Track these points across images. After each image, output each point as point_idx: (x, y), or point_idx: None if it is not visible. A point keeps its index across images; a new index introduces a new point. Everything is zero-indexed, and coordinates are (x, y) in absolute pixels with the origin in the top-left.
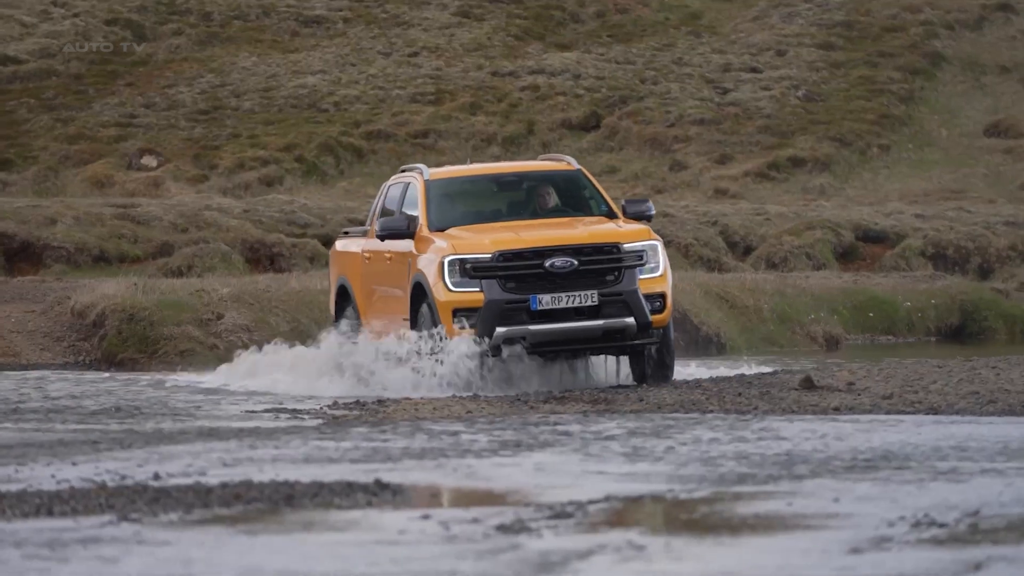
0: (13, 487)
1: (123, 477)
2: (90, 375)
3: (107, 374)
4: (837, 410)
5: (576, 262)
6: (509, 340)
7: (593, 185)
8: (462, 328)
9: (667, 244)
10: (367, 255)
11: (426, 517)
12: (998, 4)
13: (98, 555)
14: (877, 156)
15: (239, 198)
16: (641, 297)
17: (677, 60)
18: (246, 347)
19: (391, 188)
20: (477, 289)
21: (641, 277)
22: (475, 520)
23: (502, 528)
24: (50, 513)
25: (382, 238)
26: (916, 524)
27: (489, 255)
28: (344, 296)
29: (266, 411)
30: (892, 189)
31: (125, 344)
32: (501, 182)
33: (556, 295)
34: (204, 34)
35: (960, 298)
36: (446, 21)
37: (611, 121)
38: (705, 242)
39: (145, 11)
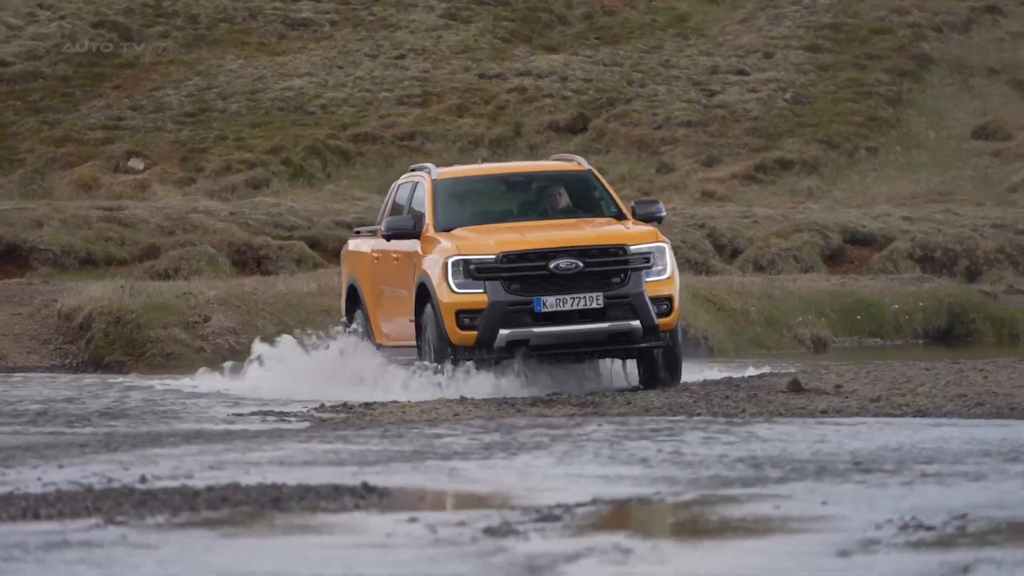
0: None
1: (110, 480)
2: (89, 378)
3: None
4: (825, 413)
5: (581, 264)
6: (513, 343)
7: (603, 186)
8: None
9: None
10: (376, 255)
11: (413, 520)
12: (986, 6)
13: (84, 558)
14: (865, 158)
15: (226, 201)
16: (647, 300)
17: (664, 62)
18: (233, 349)
19: (400, 187)
20: (481, 290)
21: (648, 279)
22: (462, 523)
23: (489, 531)
24: (36, 516)
25: (387, 238)
26: (903, 527)
27: (493, 256)
28: (354, 296)
29: (252, 414)
30: (880, 191)
31: (112, 347)
32: (510, 182)
33: (561, 297)
34: (191, 37)
35: (948, 301)
36: (433, 23)
37: (598, 123)
38: (692, 245)
39: (132, 13)
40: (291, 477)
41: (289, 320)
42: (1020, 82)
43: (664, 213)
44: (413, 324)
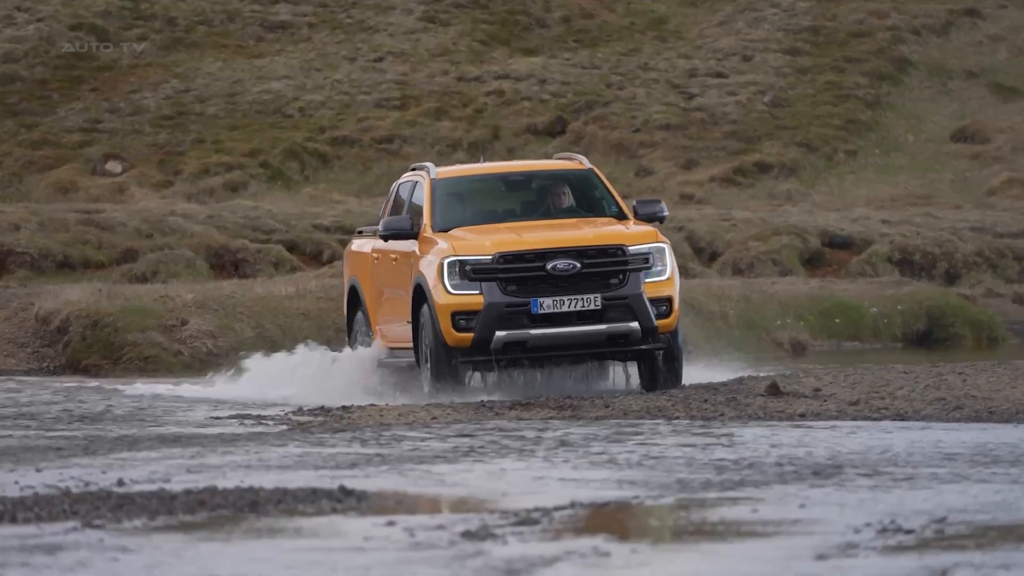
0: None
1: (87, 483)
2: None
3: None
4: (803, 416)
5: (579, 264)
6: (509, 345)
7: (604, 185)
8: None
9: None
10: (376, 255)
11: (391, 524)
12: (965, 9)
13: (61, 562)
14: (844, 162)
15: (204, 204)
16: (646, 301)
17: (643, 65)
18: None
19: (401, 186)
20: (477, 292)
21: (647, 280)
22: (440, 527)
23: (467, 535)
24: (14, 520)
25: (384, 238)
26: (882, 530)
27: (489, 257)
28: (355, 297)
29: (231, 417)
30: (859, 195)
31: (89, 350)
32: (509, 181)
33: (558, 298)
34: (169, 39)
35: (927, 304)
36: (411, 26)
37: (577, 126)
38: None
39: (110, 16)
40: (268, 480)
41: (267, 323)
42: (999, 85)
43: (667, 213)
44: (409, 326)
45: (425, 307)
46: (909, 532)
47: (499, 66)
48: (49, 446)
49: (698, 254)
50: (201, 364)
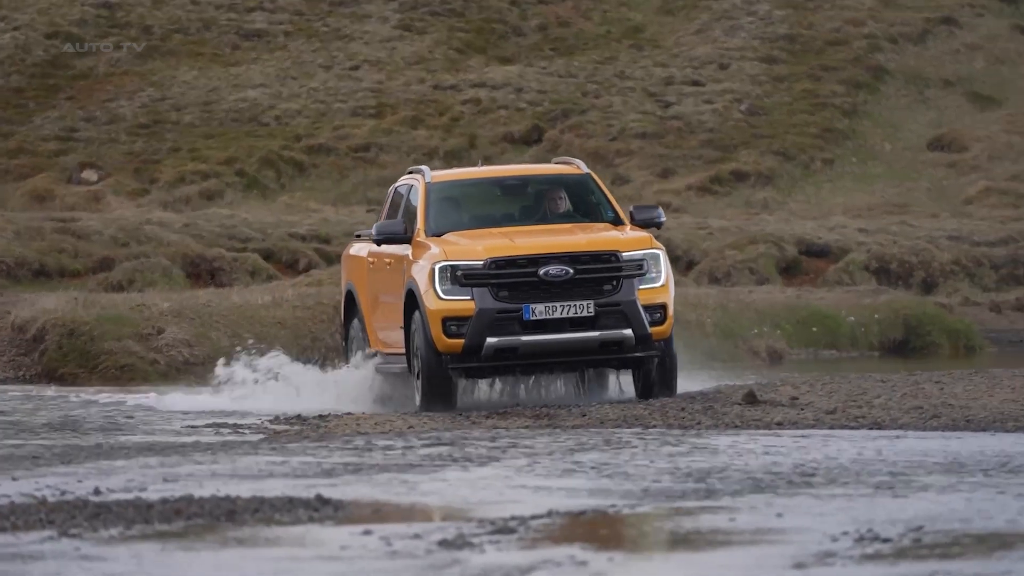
0: None
1: (63, 492)
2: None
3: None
4: (780, 425)
5: (572, 270)
6: (501, 351)
7: (601, 190)
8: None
9: None
10: (371, 260)
11: (368, 532)
12: (941, 18)
13: (37, 571)
14: (820, 170)
15: (180, 212)
16: (640, 308)
17: (619, 73)
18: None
19: (397, 190)
20: (468, 297)
21: (641, 287)
22: (417, 536)
23: (444, 543)
24: None
25: (378, 242)
26: (860, 539)
27: (481, 262)
28: (351, 302)
29: (207, 426)
30: (835, 203)
31: (66, 359)
32: (504, 186)
33: (550, 305)
34: (144, 48)
35: (904, 313)
36: (387, 34)
37: (553, 135)
38: None
39: (85, 24)
40: (245, 489)
41: (244, 332)
42: (975, 94)
43: (664, 219)
44: (402, 331)
45: (417, 313)
46: (886, 541)
47: (475, 74)
48: (25, 455)
49: (675, 263)
50: (177, 373)
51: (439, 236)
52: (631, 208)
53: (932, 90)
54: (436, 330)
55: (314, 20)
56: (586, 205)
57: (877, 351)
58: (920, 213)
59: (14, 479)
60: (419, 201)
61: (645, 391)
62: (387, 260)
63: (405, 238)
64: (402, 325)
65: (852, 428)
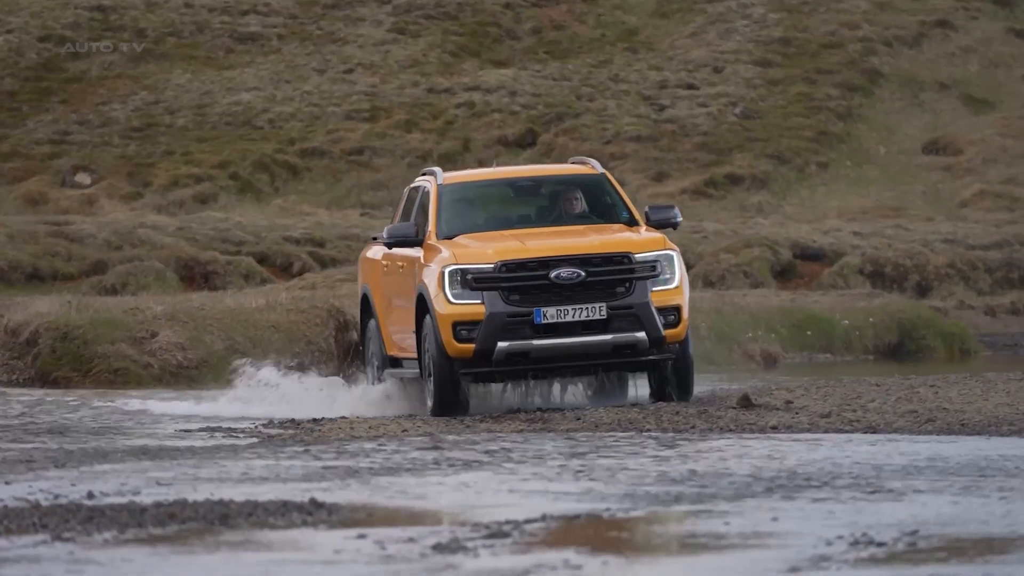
0: None
1: (57, 496)
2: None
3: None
4: (775, 428)
5: (583, 273)
6: (512, 355)
7: (616, 191)
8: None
9: None
10: (385, 263)
11: (362, 536)
12: (936, 21)
13: (32, 575)
14: (815, 173)
15: (173, 215)
16: (654, 310)
17: (614, 77)
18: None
19: (410, 192)
20: (479, 301)
21: (654, 289)
22: (411, 539)
23: (438, 547)
24: None
25: (389, 245)
26: (854, 543)
27: (491, 265)
28: (367, 305)
29: (201, 430)
30: (830, 206)
31: (59, 362)
32: (517, 187)
33: (562, 308)
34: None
35: (898, 316)
36: (381, 38)
37: (547, 138)
38: None
39: (79, 27)
40: (239, 493)
41: (237, 336)
42: (970, 97)
43: (680, 219)
44: (414, 336)
45: (428, 317)
46: (881, 545)
47: (469, 78)
48: (18, 458)
49: None
50: (171, 377)
51: (451, 238)
52: (646, 208)
53: (927, 93)
54: (446, 335)
55: (308, 23)
56: (602, 206)
57: (872, 355)
58: (915, 216)
59: (7, 483)
60: (431, 203)
61: (660, 395)
62: (400, 263)
63: (417, 241)
64: (414, 330)
65: (847, 432)
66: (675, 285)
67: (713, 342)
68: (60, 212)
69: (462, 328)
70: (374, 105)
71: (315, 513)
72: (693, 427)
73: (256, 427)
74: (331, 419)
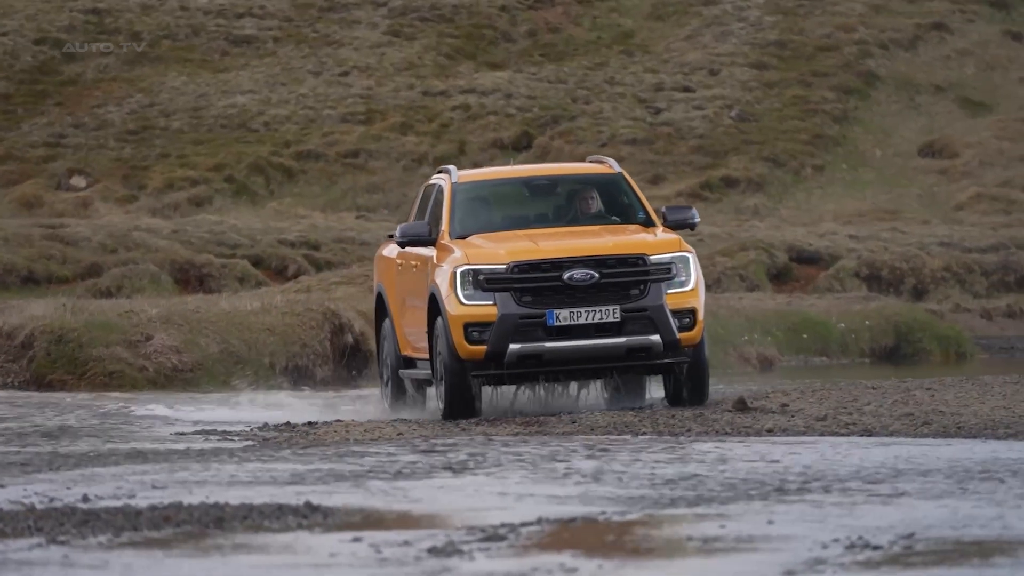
0: None
1: (52, 499)
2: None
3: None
4: (771, 432)
5: (597, 275)
6: (524, 358)
7: (633, 190)
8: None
9: None
10: (399, 262)
11: (357, 540)
12: (932, 24)
13: None
14: (811, 176)
15: (168, 218)
16: (668, 313)
17: (609, 79)
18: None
19: (426, 190)
20: (491, 302)
21: (669, 292)
22: (406, 543)
23: (434, 551)
24: None
25: (402, 245)
26: (850, 546)
27: (504, 266)
28: (381, 304)
29: (196, 433)
30: (826, 209)
31: (54, 365)
32: (532, 186)
33: (575, 310)
34: (133, 53)
35: (894, 319)
36: (377, 40)
37: (543, 141)
38: None
39: (74, 30)
40: (234, 496)
41: (232, 339)
42: (966, 100)
43: (698, 220)
44: (426, 336)
45: (439, 318)
46: (877, 548)
47: (465, 80)
48: (13, 461)
49: None
50: (166, 380)
51: (464, 238)
52: (663, 208)
53: (923, 96)
54: (458, 336)
55: (303, 26)
56: (618, 206)
57: (868, 358)
58: (911, 219)
59: (2, 486)
60: (444, 202)
61: (675, 398)
62: (413, 263)
63: (430, 240)
64: (426, 330)
65: (843, 435)
66: (690, 287)
67: (709, 345)
68: (55, 215)
69: (474, 330)
70: (369, 108)
71: (310, 516)
72: (689, 430)
73: (251, 430)
74: (326, 422)
